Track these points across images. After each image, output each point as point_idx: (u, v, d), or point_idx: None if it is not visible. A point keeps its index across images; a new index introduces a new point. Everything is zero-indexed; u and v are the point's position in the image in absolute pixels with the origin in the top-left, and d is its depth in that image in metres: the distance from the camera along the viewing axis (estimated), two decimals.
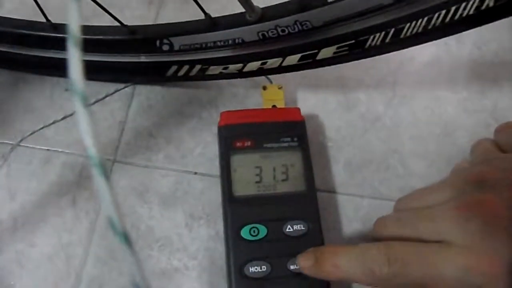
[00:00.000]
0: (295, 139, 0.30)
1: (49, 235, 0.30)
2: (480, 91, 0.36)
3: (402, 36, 0.26)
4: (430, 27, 0.25)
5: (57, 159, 0.33)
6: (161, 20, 0.39)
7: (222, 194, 0.29)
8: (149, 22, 0.39)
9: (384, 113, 0.35)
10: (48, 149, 0.33)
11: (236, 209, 0.28)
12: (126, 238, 0.15)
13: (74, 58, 0.15)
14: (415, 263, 0.21)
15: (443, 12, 0.25)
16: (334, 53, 0.29)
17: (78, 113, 0.15)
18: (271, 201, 0.28)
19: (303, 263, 0.25)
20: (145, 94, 0.35)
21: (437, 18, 0.25)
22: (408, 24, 0.26)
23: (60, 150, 0.33)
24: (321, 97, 0.35)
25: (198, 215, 0.31)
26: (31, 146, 0.33)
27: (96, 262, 0.29)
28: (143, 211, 0.31)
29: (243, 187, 0.29)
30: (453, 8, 0.24)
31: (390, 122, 0.34)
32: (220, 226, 0.29)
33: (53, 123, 0.34)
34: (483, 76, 0.36)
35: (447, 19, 0.25)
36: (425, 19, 0.25)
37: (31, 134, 0.34)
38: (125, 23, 0.30)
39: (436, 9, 0.25)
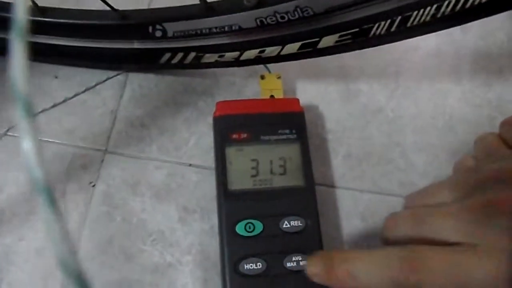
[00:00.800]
0: (294, 131, 0.29)
1: (37, 229, 0.29)
2: (485, 83, 0.35)
3: (409, 24, 0.25)
4: (439, 15, 0.24)
5: (47, 149, 0.32)
6: (155, 5, 0.37)
7: (217, 187, 0.28)
8: (143, 6, 0.37)
9: (386, 105, 0.34)
10: None
11: (231, 203, 0.27)
12: (83, 283, 0.11)
13: (18, 53, 0.12)
14: (442, 270, 0.19)
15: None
16: (336, 41, 0.28)
17: (19, 125, 0.11)
18: (267, 196, 0.27)
19: (310, 270, 0.23)
20: (138, 83, 0.34)
21: (446, 6, 0.24)
22: (415, 12, 0.24)
23: (49, 140, 0.32)
24: (321, 88, 0.34)
25: (192, 209, 0.30)
26: (19, 135, 0.32)
27: (85, 256, 0.28)
28: (135, 204, 0.30)
29: (239, 180, 0.28)
30: None
31: (392, 114, 0.33)
32: (215, 220, 0.28)
33: (42, 111, 0.33)
34: (487, 67, 0.35)
35: (458, 7, 0.23)
36: (434, 7, 0.24)
37: None
38: (116, 7, 0.29)
39: None
